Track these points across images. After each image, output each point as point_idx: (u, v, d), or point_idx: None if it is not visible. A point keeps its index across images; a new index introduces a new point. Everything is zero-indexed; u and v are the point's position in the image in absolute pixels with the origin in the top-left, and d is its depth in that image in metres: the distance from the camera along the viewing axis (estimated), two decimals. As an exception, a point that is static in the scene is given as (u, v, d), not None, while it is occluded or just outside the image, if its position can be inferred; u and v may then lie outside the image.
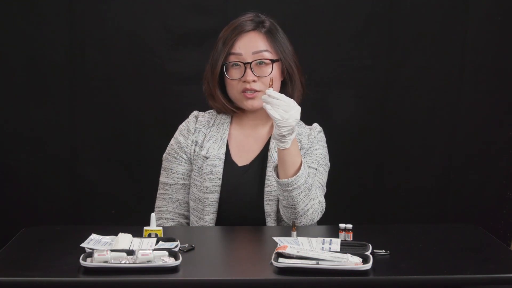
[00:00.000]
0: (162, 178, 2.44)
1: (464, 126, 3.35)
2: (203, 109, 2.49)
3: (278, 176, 2.22)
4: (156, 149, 2.59)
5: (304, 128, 2.45)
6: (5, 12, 3.20)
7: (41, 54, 3.23)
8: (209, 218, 2.34)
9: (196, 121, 2.44)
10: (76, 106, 3.27)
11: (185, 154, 2.41)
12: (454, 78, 3.33)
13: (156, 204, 2.45)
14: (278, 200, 2.31)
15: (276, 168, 2.24)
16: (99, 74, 3.26)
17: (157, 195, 2.45)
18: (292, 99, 2.15)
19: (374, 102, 3.34)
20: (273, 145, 2.38)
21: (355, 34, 3.29)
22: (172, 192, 2.42)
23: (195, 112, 2.48)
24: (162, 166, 2.45)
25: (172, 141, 2.45)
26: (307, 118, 2.45)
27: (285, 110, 2.11)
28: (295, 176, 2.18)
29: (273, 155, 2.36)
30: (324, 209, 2.30)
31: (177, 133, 2.45)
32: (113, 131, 3.30)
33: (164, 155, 2.45)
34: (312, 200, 2.23)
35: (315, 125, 2.47)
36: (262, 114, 2.39)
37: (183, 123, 2.46)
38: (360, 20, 3.29)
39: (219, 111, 2.45)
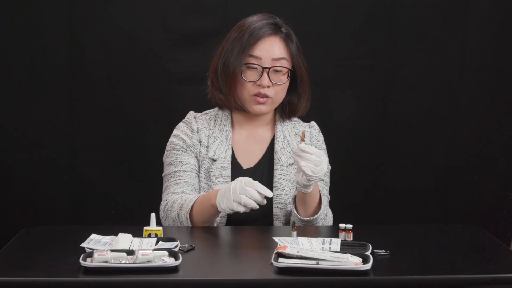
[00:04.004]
0: (171, 169, 2.34)
1: (464, 126, 3.35)
2: (203, 109, 2.48)
3: (297, 211, 2.23)
4: (156, 149, 2.58)
5: (302, 126, 2.45)
6: (5, 12, 3.20)
7: (41, 54, 3.23)
8: (219, 221, 2.30)
9: (196, 122, 2.40)
10: (76, 106, 3.27)
11: (192, 152, 2.36)
12: (454, 78, 3.33)
13: (165, 197, 2.31)
14: (286, 204, 2.33)
15: (294, 200, 2.25)
16: (99, 74, 3.26)
17: (166, 187, 2.34)
18: (321, 151, 2.11)
19: (374, 102, 3.34)
20: (279, 147, 2.37)
21: (355, 33, 3.29)
22: (187, 178, 2.32)
23: (192, 113, 2.43)
24: (168, 161, 2.36)
25: (174, 139, 2.37)
26: (307, 117, 2.46)
27: (316, 165, 2.08)
28: (316, 216, 2.21)
29: (280, 158, 2.35)
30: (331, 222, 2.32)
31: (178, 132, 2.39)
32: (113, 131, 3.29)
33: (166, 153, 2.38)
34: (325, 221, 2.27)
35: (313, 123, 2.47)
36: (263, 117, 2.39)
37: (182, 124, 2.40)
38: (360, 20, 3.29)
39: (220, 106, 2.41)
